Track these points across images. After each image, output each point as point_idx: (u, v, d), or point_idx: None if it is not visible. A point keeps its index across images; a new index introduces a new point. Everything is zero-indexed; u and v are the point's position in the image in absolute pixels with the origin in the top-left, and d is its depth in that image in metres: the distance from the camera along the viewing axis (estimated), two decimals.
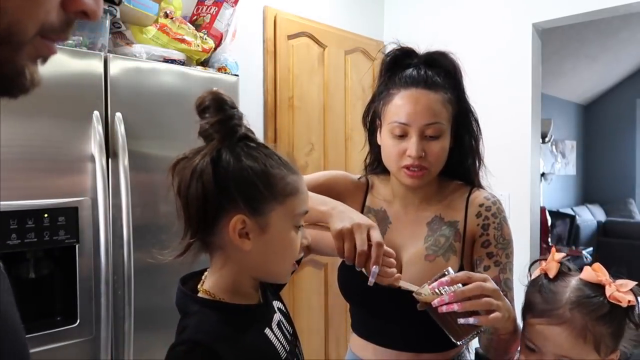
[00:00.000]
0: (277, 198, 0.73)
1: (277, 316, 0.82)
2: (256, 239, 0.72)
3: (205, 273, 0.79)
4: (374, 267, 0.89)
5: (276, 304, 0.86)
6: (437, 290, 0.85)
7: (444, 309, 0.84)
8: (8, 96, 0.37)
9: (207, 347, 0.67)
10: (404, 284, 0.92)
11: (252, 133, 0.76)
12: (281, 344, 0.78)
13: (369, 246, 0.90)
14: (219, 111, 0.72)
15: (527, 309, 0.92)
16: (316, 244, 1.03)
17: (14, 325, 0.41)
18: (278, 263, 0.78)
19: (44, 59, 0.38)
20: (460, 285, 0.84)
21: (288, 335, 0.82)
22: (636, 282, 0.86)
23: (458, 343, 0.88)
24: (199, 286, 0.77)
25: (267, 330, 0.77)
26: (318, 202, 1.00)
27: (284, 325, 0.82)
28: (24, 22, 0.34)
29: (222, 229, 0.72)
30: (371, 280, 0.89)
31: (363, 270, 0.92)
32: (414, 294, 0.89)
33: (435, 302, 0.85)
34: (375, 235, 0.91)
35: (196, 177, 0.70)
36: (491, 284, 0.86)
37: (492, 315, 0.83)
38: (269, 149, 0.75)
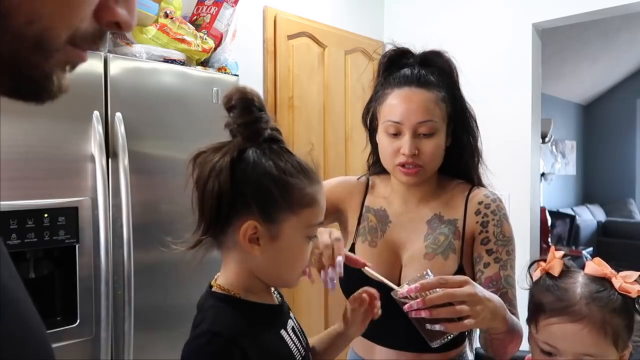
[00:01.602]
0: (292, 208, 0.72)
1: (292, 322, 0.82)
2: (266, 246, 0.72)
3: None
4: (338, 257, 0.88)
5: (290, 313, 0.85)
6: (410, 295, 0.84)
7: (413, 314, 0.83)
8: (35, 101, 0.36)
9: (227, 338, 0.67)
10: (388, 282, 0.91)
11: (280, 134, 0.75)
12: (297, 347, 0.78)
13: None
14: (245, 113, 0.71)
15: (538, 310, 0.87)
16: None
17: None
18: (286, 270, 0.77)
19: (73, 66, 0.37)
20: (438, 290, 0.82)
21: (303, 341, 0.82)
22: (639, 273, 0.85)
23: (432, 345, 0.87)
24: (212, 282, 0.77)
25: (283, 332, 0.77)
26: None
27: (297, 331, 0.82)
28: (57, 28, 0.33)
29: (233, 231, 0.71)
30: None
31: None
32: (391, 294, 0.88)
33: (405, 308, 0.84)
34: (336, 234, 0.92)
35: (214, 176, 0.69)
36: (466, 289, 0.83)
37: (464, 322, 0.82)
38: (293, 155, 0.74)
